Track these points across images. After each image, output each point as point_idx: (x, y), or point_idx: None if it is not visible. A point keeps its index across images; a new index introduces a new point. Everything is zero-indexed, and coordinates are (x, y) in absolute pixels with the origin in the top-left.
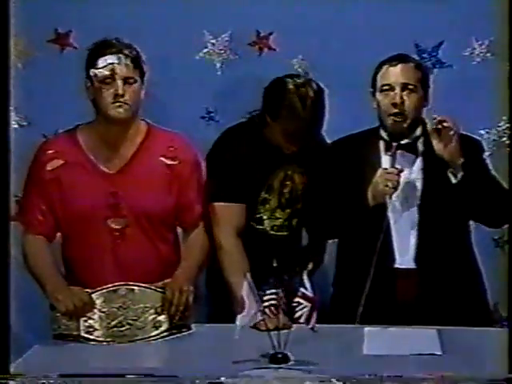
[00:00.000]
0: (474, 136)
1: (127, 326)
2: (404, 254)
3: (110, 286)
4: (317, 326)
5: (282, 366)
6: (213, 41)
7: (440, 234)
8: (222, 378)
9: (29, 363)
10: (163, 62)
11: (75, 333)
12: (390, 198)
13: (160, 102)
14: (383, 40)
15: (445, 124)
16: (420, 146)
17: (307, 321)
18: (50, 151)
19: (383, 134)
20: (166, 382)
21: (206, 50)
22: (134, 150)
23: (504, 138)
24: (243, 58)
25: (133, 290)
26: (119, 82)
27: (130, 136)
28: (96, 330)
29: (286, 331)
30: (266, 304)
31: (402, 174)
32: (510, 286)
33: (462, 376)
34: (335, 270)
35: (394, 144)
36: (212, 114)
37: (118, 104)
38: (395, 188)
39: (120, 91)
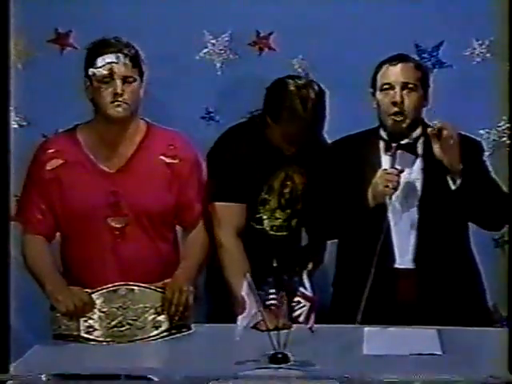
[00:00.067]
0: (474, 137)
1: (127, 326)
2: (404, 255)
3: (109, 285)
4: (316, 326)
5: (282, 365)
6: (213, 41)
7: (439, 235)
8: (222, 378)
9: (29, 363)
10: (163, 61)
11: (75, 333)
12: (390, 198)
13: (160, 101)
14: (383, 40)
15: (444, 133)
16: (420, 146)
17: (306, 320)
18: (50, 151)
19: (383, 134)
20: (166, 382)
21: (206, 50)
22: (133, 148)
23: (504, 138)
24: (243, 58)
25: (133, 289)
26: (118, 82)
27: (130, 135)
28: (96, 330)
29: (285, 331)
30: (266, 304)
31: (401, 175)
32: (510, 286)
33: (462, 376)
34: (335, 270)
35: (394, 144)
36: (212, 114)
37: (117, 103)
38: (395, 189)
39: (119, 90)
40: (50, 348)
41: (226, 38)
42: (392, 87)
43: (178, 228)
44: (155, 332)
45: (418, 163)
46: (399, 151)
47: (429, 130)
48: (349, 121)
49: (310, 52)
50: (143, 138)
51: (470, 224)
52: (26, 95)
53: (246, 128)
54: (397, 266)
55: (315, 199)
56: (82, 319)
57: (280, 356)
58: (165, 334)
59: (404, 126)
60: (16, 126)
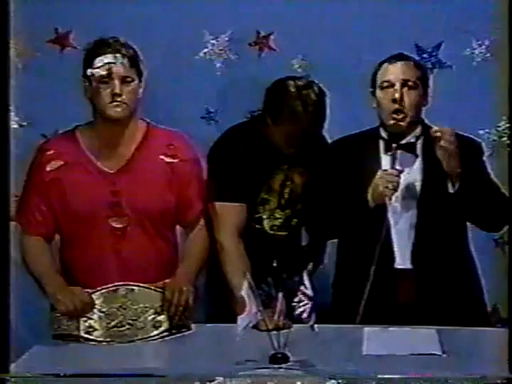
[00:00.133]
0: (475, 138)
1: (127, 326)
2: (404, 255)
3: (110, 286)
4: (316, 326)
5: (282, 365)
6: (213, 41)
7: (439, 235)
8: (222, 378)
9: (29, 363)
10: (163, 62)
11: (75, 333)
12: (390, 199)
13: (160, 101)
14: (383, 40)
15: (444, 138)
16: (420, 146)
17: (308, 318)
18: (50, 152)
19: (383, 133)
20: (167, 382)
21: (206, 50)
22: (133, 148)
23: (504, 138)
24: (243, 58)
25: (133, 290)
26: (116, 82)
27: (130, 135)
28: (96, 330)
29: (285, 331)
30: (266, 304)
31: (401, 175)
32: (510, 287)
33: (462, 376)
34: (335, 271)
35: (394, 145)
36: (212, 114)
37: (115, 104)
38: (395, 189)
39: (117, 91)
40: (50, 348)
41: (226, 38)
42: (392, 85)
43: (178, 228)
44: (155, 332)
45: (418, 163)
46: (399, 151)
47: (432, 131)
48: (349, 121)
49: (310, 52)
50: (143, 137)
51: (469, 224)
52: (25, 95)
53: (246, 128)
54: (397, 266)
55: (315, 199)
56: (81, 319)
57: (280, 356)
58: (165, 334)
59: (404, 124)
60: (16, 126)
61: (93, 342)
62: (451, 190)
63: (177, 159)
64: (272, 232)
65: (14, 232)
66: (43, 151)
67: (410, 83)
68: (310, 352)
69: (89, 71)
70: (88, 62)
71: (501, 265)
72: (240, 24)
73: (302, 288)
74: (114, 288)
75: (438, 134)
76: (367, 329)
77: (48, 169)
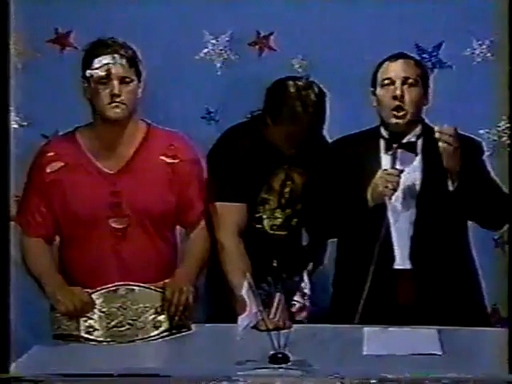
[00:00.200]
0: (475, 137)
1: (127, 326)
2: (403, 255)
3: (110, 285)
4: (316, 326)
5: (282, 365)
6: (213, 41)
7: (439, 235)
8: (222, 378)
9: (29, 363)
10: (163, 61)
11: (75, 333)
12: (390, 198)
13: (160, 101)
14: (383, 40)
15: (441, 142)
16: (420, 145)
17: (299, 312)
18: (50, 153)
19: (383, 132)
20: (167, 382)
21: (206, 50)
22: (134, 149)
23: (504, 138)
24: (243, 58)
25: (133, 289)
26: (115, 82)
27: (130, 135)
28: (96, 330)
29: (285, 331)
30: (266, 304)
31: (402, 175)
32: (510, 287)
33: (462, 376)
34: (335, 270)
35: (395, 145)
36: (212, 114)
37: (114, 104)
38: (395, 189)
39: (116, 91)
40: (50, 348)
41: (226, 38)
42: (392, 82)
43: (177, 229)
44: (155, 332)
45: (418, 163)
46: (400, 150)
47: (435, 129)
48: (349, 121)
49: (309, 52)
50: (143, 138)
51: (469, 224)
52: (25, 95)
53: (246, 128)
54: (396, 266)
55: (315, 199)
56: (81, 319)
57: (280, 356)
58: (165, 334)
59: (404, 121)
60: (16, 126)
61: (93, 342)
62: (451, 188)
63: (177, 160)
64: (272, 232)
65: (14, 232)
66: (43, 153)
67: (410, 80)
68: (310, 352)
69: (87, 72)
70: (87, 63)
71: (501, 265)
72: (240, 24)
73: (300, 287)
74: (114, 288)
75: (438, 132)
76: (367, 329)
77: (48, 170)
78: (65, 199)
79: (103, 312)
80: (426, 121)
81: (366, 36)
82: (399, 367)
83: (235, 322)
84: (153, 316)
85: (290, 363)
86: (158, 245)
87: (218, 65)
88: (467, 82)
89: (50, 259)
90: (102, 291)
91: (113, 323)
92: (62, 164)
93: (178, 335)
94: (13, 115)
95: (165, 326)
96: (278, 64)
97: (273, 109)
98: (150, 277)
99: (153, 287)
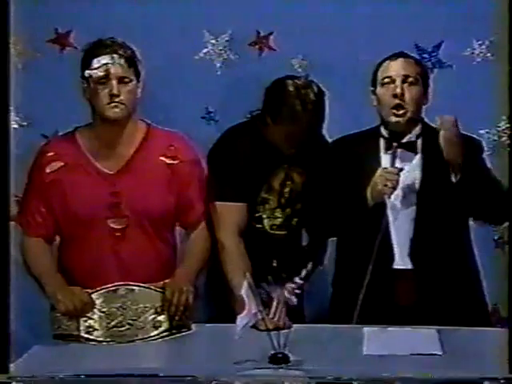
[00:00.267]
0: (475, 136)
1: (127, 326)
2: (403, 254)
3: (109, 285)
4: (316, 326)
5: (282, 365)
6: (213, 41)
7: (439, 234)
8: (222, 378)
9: (29, 363)
10: (163, 61)
11: (75, 333)
12: (390, 197)
13: (160, 101)
14: (383, 40)
15: (441, 133)
16: (420, 144)
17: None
18: (50, 154)
19: (383, 131)
20: (167, 382)
21: (205, 50)
22: (133, 149)
23: (504, 138)
24: (243, 58)
25: (133, 290)
26: (114, 82)
27: (129, 136)
28: (96, 330)
29: (285, 331)
30: (266, 304)
31: (401, 174)
32: (510, 287)
33: (462, 376)
34: (335, 270)
35: (395, 144)
36: (212, 114)
37: (113, 104)
38: (394, 188)
39: (115, 91)
40: (50, 348)
41: (226, 38)
42: (393, 80)
43: (178, 229)
44: (155, 332)
45: (418, 162)
46: (400, 150)
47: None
48: (348, 120)
49: (310, 52)
50: (143, 138)
51: (470, 223)
52: (25, 95)
53: (246, 128)
54: (396, 266)
55: (315, 198)
56: (81, 319)
57: (280, 356)
58: (165, 334)
59: (404, 119)
60: (16, 126)
61: (93, 342)
62: (453, 180)
63: (177, 160)
64: (272, 231)
65: (15, 232)
66: (43, 153)
67: (410, 79)
68: (310, 352)
69: (86, 72)
70: (86, 63)
71: (501, 265)
72: (240, 24)
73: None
74: (114, 288)
75: (440, 120)
76: (367, 329)
77: (48, 170)
78: (64, 199)
79: (103, 312)
80: (426, 120)
81: (365, 36)
82: (399, 367)
83: (235, 321)
84: (153, 316)
85: (290, 363)
86: (157, 245)
87: (218, 65)
88: (467, 82)
89: (50, 259)
90: (102, 291)
91: (113, 323)
92: (62, 164)
93: (178, 335)
94: (13, 115)
95: (165, 326)
96: (278, 64)
97: (272, 108)
98: (149, 277)
99: (153, 287)
